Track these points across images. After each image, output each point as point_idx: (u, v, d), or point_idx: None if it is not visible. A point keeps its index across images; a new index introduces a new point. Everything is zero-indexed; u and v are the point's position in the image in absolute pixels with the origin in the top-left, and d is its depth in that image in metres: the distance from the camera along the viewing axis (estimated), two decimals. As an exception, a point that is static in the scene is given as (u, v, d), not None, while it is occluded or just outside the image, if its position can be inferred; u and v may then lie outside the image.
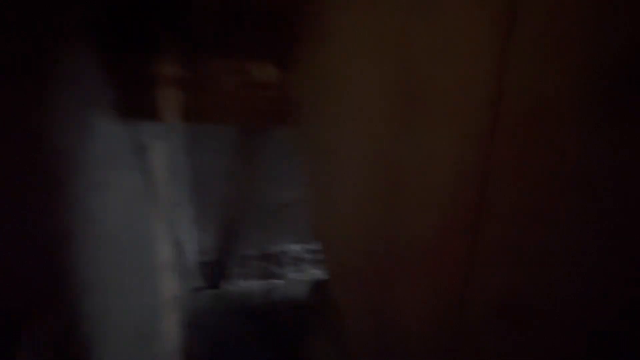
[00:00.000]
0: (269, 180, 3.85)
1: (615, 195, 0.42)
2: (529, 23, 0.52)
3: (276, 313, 3.41)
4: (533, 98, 0.52)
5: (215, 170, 3.54)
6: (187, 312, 3.06)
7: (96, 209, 1.33)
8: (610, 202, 0.43)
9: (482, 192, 0.62)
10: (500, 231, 0.61)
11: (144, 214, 2.21)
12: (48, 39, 1.03)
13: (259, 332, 3.30)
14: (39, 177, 0.99)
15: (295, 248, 4.04)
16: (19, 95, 0.90)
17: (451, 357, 0.74)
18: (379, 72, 1.02)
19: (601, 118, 0.43)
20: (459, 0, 0.67)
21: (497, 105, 0.58)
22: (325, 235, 1.84)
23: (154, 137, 2.33)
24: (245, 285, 3.82)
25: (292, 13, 1.99)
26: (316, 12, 1.69)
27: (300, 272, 4.09)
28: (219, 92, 3.13)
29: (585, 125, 0.45)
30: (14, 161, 0.87)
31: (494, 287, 0.62)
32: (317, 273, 4.07)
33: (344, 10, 1.35)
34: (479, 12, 0.61)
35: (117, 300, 1.60)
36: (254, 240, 3.93)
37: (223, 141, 3.48)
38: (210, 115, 2.90)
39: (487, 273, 0.63)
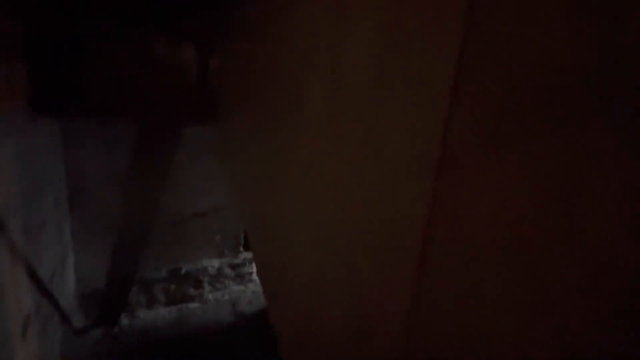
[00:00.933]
0: (179, 186, 3.22)
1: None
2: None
3: (191, 345, 2.83)
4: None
5: (104, 175, 2.77)
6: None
7: None
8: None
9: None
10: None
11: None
12: None
13: (169, 373, 2.68)
14: None
15: (213, 264, 3.48)
16: None
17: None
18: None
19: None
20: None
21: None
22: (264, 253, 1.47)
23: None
24: (151, 315, 3.11)
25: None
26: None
27: (220, 291, 3.54)
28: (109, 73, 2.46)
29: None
30: None
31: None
32: (240, 290, 3.58)
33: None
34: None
35: None
36: (159, 259, 3.24)
37: (116, 138, 2.75)
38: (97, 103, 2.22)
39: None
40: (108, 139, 2.76)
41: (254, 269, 3.76)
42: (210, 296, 3.44)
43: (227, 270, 3.57)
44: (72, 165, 2.64)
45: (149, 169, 3.04)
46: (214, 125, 3.13)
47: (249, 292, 3.59)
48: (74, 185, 2.69)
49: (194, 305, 3.33)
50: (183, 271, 3.32)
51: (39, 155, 2.15)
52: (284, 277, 1.21)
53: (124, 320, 2.98)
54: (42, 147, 2.23)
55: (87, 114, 2.47)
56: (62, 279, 2.46)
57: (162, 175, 3.11)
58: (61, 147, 2.51)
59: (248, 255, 3.70)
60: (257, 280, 3.78)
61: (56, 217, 2.37)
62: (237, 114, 1.51)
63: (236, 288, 3.61)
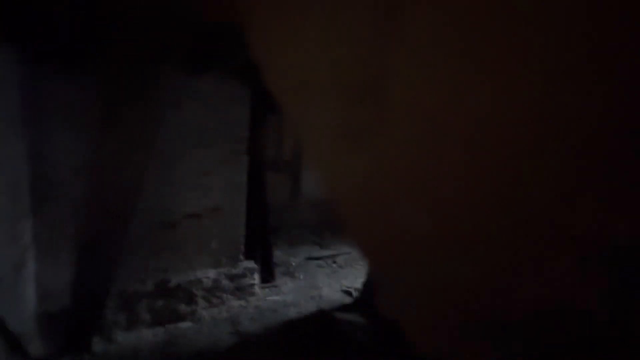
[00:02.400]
0: (168, 181, 2.72)
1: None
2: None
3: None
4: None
5: (77, 163, 2.26)
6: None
7: None
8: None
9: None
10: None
11: None
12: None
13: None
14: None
15: (208, 275, 2.94)
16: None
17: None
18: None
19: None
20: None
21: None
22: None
23: None
24: (132, 338, 2.54)
25: None
26: None
27: (216, 307, 2.98)
28: None
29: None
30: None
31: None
32: (240, 306, 3.03)
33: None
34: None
35: None
36: (143, 270, 2.69)
37: (92, 118, 2.27)
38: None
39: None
40: (83, 116, 2.27)
41: (257, 281, 3.22)
42: (205, 313, 2.88)
43: (225, 283, 3.03)
44: (37, 148, 2.14)
45: (133, 158, 2.54)
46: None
47: (250, 307, 3.04)
48: (39, 174, 2.17)
49: (185, 325, 2.76)
50: (172, 283, 2.76)
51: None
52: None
53: (98, 346, 2.40)
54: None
55: (53, 55, 1.96)
56: (14, 293, 1.90)
57: (149, 168, 2.61)
58: (21, 122, 2.02)
59: (249, 264, 3.17)
60: (260, 294, 3.23)
61: (9, 211, 1.84)
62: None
63: (236, 303, 3.05)
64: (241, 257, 3.16)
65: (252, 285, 3.18)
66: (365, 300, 3.15)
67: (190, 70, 2.62)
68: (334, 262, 4.17)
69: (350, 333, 2.59)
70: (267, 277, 3.48)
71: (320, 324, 2.86)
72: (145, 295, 2.66)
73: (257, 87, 2.99)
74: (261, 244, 3.44)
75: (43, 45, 1.94)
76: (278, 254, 3.95)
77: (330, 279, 3.72)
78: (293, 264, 4.02)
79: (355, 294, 3.37)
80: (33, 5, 1.70)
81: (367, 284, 3.21)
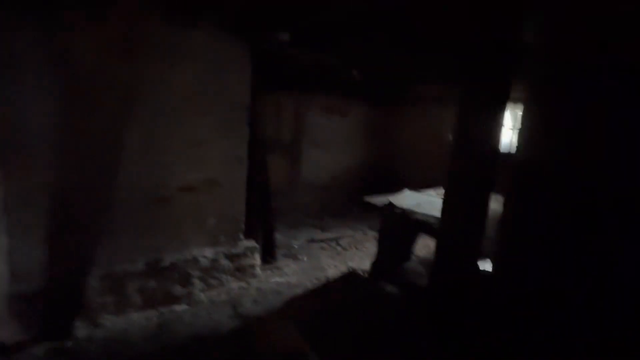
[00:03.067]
0: (161, 151, 2.44)
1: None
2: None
3: (178, 362, 2.00)
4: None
5: (53, 122, 1.97)
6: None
7: None
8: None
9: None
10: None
11: None
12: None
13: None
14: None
15: (205, 254, 2.68)
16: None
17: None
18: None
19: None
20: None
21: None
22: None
23: None
24: (121, 323, 2.27)
25: None
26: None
27: (215, 289, 2.72)
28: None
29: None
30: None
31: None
32: (241, 287, 2.78)
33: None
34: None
35: None
36: (133, 248, 2.41)
37: (72, 70, 1.97)
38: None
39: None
40: (59, 73, 1.97)
41: (258, 261, 2.97)
42: (202, 295, 2.62)
43: (224, 263, 2.77)
44: (5, 110, 1.83)
45: (120, 124, 2.25)
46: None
47: (252, 289, 2.80)
48: (7, 134, 1.87)
49: (181, 307, 2.50)
50: (166, 263, 2.50)
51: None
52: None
53: (81, 331, 2.12)
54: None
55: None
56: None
57: (139, 136, 2.33)
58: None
59: (249, 243, 2.92)
60: (262, 276, 2.99)
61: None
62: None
63: (236, 285, 2.80)
64: (241, 235, 2.90)
65: (253, 266, 2.93)
66: (374, 277, 2.94)
67: (179, 22, 2.33)
68: (338, 244, 3.95)
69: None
70: (269, 258, 3.23)
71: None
72: (136, 275, 2.39)
73: (257, 47, 2.72)
74: (262, 223, 3.19)
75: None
76: (278, 237, 3.71)
77: (335, 260, 3.50)
78: (295, 246, 3.78)
79: (362, 273, 3.15)
80: None
81: (377, 263, 3.00)
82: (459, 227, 1.54)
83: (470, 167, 1.58)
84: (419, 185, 4.67)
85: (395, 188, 5.01)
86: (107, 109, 2.19)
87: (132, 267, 2.39)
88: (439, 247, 1.64)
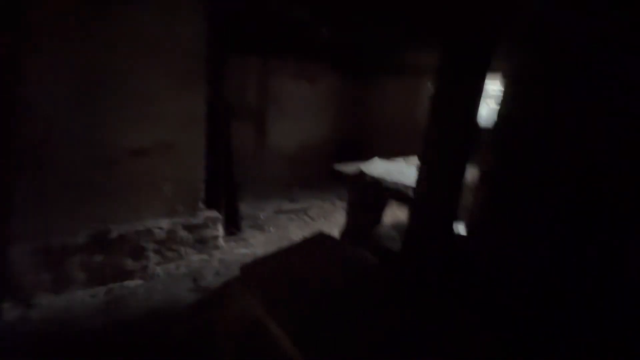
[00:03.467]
0: (107, 107, 2.10)
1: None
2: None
3: (130, 342, 1.81)
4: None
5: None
6: None
7: None
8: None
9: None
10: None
11: None
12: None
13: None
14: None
15: (160, 225, 2.44)
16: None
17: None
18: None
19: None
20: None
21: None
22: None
23: None
24: (61, 302, 2.02)
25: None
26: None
27: (173, 262, 2.51)
28: None
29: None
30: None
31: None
32: (202, 260, 2.59)
33: None
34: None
35: None
36: (74, 218, 2.12)
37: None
38: None
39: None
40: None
41: (220, 232, 2.77)
42: (158, 269, 2.41)
43: (183, 234, 2.55)
44: None
45: (53, 72, 1.88)
46: None
47: (214, 261, 2.62)
48: None
49: (134, 283, 2.28)
50: (114, 235, 2.24)
51: None
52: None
53: (9, 312, 1.85)
54: None
55: None
56: None
57: (77, 86, 1.97)
58: None
59: (211, 213, 2.70)
60: (226, 247, 2.81)
61: None
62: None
63: (196, 258, 2.61)
64: (201, 205, 2.67)
65: (216, 237, 2.74)
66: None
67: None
68: (306, 214, 3.83)
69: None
70: (233, 229, 3.05)
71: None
72: (78, 249, 2.12)
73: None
74: (224, 192, 2.97)
75: None
76: (244, 208, 3.51)
77: (304, 231, 3.39)
78: (262, 217, 3.61)
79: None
80: None
81: (346, 230, 2.93)
82: (435, 193, 1.46)
83: (448, 135, 1.49)
84: (390, 155, 4.63)
85: (366, 158, 4.96)
86: (37, 55, 1.81)
87: (73, 240, 2.11)
88: (413, 211, 1.56)
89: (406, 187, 2.45)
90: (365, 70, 5.77)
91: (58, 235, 2.06)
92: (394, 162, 3.30)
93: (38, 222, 1.97)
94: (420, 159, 1.61)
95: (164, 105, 2.35)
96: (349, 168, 2.94)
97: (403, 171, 2.89)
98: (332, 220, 3.74)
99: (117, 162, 2.23)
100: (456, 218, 1.47)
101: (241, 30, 3.45)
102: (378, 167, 2.96)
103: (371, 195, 2.66)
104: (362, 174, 2.74)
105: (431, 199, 1.47)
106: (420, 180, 1.55)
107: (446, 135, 1.46)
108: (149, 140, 2.33)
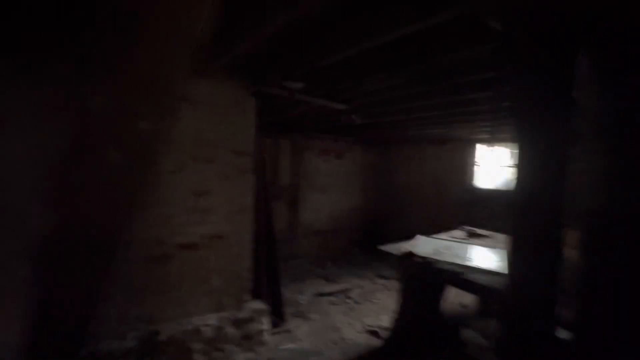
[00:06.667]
0: (157, 203, 2.18)
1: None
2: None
3: None
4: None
5: (32, 177, 1.70)
6: None
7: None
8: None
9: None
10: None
11: None
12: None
13: None
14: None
15: (208, 322, 2.32)
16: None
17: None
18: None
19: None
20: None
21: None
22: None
23: None
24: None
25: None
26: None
27: (220, 364, 2.32)
28: None
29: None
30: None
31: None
32: (248, 359, 2.38)
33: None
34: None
35: None
36: (123, 320, 2.05)
37: (52, 116, 1.76)
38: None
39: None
40: (46, 122, 1.75)
41: (266, 326, 2.60)
42: None
43: (229, 331, 2.41)
44: (-18, 160, 1.57)
45: (108, 175, 2.01)
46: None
47: (262, 361, 2.42)
48: (-18, 196, 1.59)
49: None
50: (163, 336, 2.13)
51: None
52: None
53: None
54: None
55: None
56: None
57: (131, 186, 2.08)
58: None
59: (257, 305, 2.58)
60: (271, 342, 2.61)
61: None
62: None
63: (243, 357, 2.41)
64: (247, 296, 2.57)
65: (262, 331, 2.57)
66: (398, 339, 2.61)
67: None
68: (348, 297, 3.62)
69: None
70: (277, 319, 2.88)
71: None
72: (125, 354, 2.01)
73: (263, 92, 2.61)
74: (269, 279, 2.88)
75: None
76: (283, 292, 3.37)
77: (349, 317, 3.16)
78: (302, 302, 3.43)
79: (382, 333, 2.82)
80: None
81: (400, 320, 2.70)
82: (530, 288, 1.31)
83: (540, 220, 1.32)
84: (421, 224, 4.50)
85: (397, 229, 4.84)
86: (96, 164, 1.96)
87: (122, 344, 2.01)
88: (511, 311, 1.38)
89: (463, 268, 2.31)
90: (391, 140, 5.98)
91: (108, 339, 1.98)
92: (437, 238, 3.17)
93: (90, 326, 1.91)
94: (512, 237, 1.41)
95: (214, 198, 2.42)
96: (394, 248, 2.83)
97: (452, 249, 2.76)
98: (377, 302, 3.50)
99: (167, 257, 2.23)
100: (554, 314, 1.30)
101: (280, 116, 3.71)
102: (424, 246, 2.84)
103: (424, 281, 2.50)
104: (410, 255, 2.62)
105: (533, 290, 1.31)
106: (516, 266, 1.37)
107: (538, 221, 1.29)
108: (200, 232, 2.36)
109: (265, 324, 2.59)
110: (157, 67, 1.49)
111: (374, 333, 2.86)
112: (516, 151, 1.31)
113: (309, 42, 1.86)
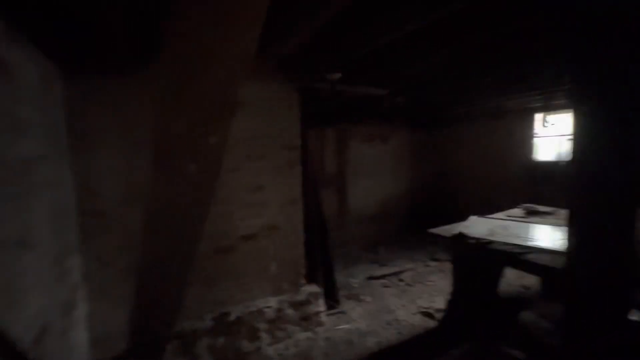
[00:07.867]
0: (219, 198, 2.43)
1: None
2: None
3: None
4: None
5: (123, 188, 2.01)
6: None
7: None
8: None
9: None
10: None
11: None
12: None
13: None
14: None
15: (269, 304, 2.56)
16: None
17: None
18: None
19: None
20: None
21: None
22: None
23: None
24: (192, 385, 2.16)
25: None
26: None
27: (282, 342, 2.57)
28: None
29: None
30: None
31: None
32: (308, 338, 2.60)
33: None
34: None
35: None
36: (201, 303, 2.35)
37: (138, 132, 2.04)
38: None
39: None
40: (133, 138, 2.05)
41: (322, 308, 2.79)
42: (270, 350, 2.48)
43: (289, 312, 2.64)
44: (83, 175, 1.91)
45: (184, 178, 2.28)
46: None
47: (320, 339, 2.61)
48: (86, 204, 1.94)
49: (251, 365, 2.37)
50: (232, 317, 2.41)
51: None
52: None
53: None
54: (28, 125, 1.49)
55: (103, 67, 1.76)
56: (63, 341, 1.61)
57: (200, 186, 2.34)
58: (66, 146, 1.81)
59: (312, 288, 2.77)
60: (328, 323, 2.80)
61: (52, 240, 1.59)
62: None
63: (302, 336, 2.64)
64: (302, 281, 2.77)
65: (318, 313, 2.76)
66: (454, 321, 2.63)
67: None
68: (400, 279, 3.68)
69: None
70: (332, 302, 3.05)
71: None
72: (205, 332, 2.32)
73: (307, 87, 2.71)
74: (322, 265, 3.05)
75: (89, 57, 1.76)
76: (336, 276, 3.53)
77: (402, 299, 3.23)
78: (355, 285, 3.57)
79: (437, 315, 2.86)
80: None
81: (454, 302, 2.70)
82: (604, 261, 1.24)
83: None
84: (475, 205, 4.32)
85: (449, 211, 4.70)
86: (174, 167, 2.24)
87: (201, 324, 2.33)
88: (575, 291, 1.33)
89: (522, 248, 2.23)
90: (438, 120, 5.75)
91: (189, 319, 2.30)
92: (492, 218, 3.06)
93: (177, 309, 2.24)
94: (571, 213, 1.33)
95: (269, 192, 2.62)
96: (445, 231, 2.80)
97: (509, 229, 2.65)
98: (430, 284, 3.52)
99: (232, 248, 2.49)
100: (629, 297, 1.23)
101: (323, 107, 3.80)
102: (478, 227, 2.77)
103: (479, 262, 2.47)
104: (463, 237, 2.58)
105: (599, 270, 1.25)
106: (577, 244, 1.31)
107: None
108: (257, 224, 2.58)
109: (320, 305, 2.78)
110: (223, 89, 1.67)
111: (428, 315, 2.90)
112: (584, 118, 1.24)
113: (354, 30, 1.88)
